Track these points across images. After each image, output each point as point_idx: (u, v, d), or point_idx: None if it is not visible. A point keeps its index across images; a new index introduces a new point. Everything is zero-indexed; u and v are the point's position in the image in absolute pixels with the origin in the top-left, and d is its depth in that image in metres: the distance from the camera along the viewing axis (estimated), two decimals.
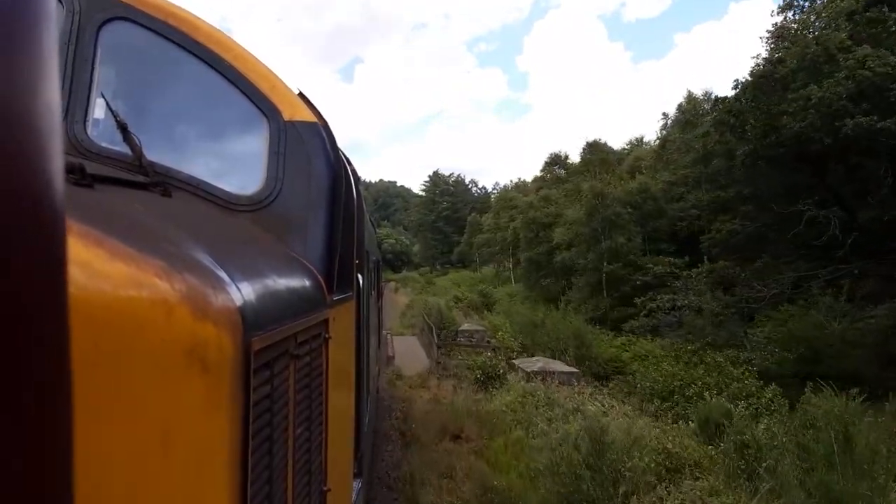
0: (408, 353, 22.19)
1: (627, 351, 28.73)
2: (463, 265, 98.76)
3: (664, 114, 53.32)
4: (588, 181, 45.70)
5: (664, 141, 45.46)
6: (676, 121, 47.39)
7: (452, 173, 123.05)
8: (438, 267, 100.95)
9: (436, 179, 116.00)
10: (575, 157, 70.48)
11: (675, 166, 42.70)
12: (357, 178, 3.79)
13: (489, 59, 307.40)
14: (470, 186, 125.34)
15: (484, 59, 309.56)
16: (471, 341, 24.15)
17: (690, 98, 48.33)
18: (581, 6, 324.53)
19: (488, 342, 24.22)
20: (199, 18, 2.30)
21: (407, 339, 27.60)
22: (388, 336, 23.26)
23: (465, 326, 27.02)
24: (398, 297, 51.53)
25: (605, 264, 40.66)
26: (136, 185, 1.77)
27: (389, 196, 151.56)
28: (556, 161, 76.08)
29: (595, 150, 57.23)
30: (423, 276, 79.45)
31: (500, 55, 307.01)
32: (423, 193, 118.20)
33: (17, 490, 0.34)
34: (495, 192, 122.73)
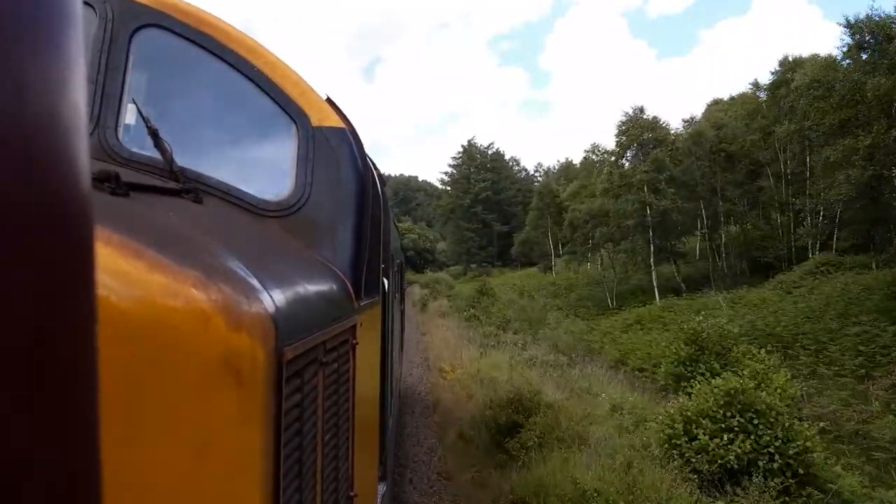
0: None
1: None
2: (505, 264, 71.37)
3: None
4: None
5: None
6: None
7: (492, 143, 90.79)
8: (473, 266, 73.91)
9: (471, 151, 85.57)
10: None
11: None
12: (383, 182, 3.79)
13: (511, 57, 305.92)
14: (511, 164, 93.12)
15: (506, 57, 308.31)
16: None
17: None
18: (603, 3, 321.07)
19: None
20: (229, 25, 2.32)
21: None
22: None
23: None
24: (432, 326, 23.31)
25: None
26: (169, 192, 1.79)
27: (410, 190, 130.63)
28: None
29: None
30: (461, 280, 56.78)
31: (522, 54, 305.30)
32: (454, 171, 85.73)
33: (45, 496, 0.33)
34: (538, 174, 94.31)
